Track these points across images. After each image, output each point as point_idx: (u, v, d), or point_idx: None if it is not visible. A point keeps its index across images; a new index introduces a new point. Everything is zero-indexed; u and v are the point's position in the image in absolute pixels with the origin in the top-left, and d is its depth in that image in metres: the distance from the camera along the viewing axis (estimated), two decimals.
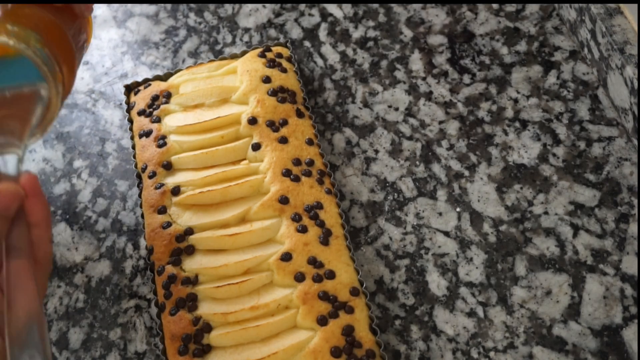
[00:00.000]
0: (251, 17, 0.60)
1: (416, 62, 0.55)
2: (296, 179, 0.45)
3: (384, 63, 0.55)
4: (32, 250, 0.30)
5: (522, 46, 0.55)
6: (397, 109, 0.53)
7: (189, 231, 0.44)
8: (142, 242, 0.49)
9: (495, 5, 0.57)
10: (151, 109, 0.50)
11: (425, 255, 0.46)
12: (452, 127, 0.51)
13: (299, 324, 0.40)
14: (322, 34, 0.58)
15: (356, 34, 0.57)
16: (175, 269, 0.43)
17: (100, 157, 0.54)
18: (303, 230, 0.43)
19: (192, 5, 0.62)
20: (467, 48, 0.55)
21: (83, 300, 0.47)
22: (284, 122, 0.48)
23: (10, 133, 0.32)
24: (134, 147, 0.50)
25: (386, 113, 0.53)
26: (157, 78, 0.53)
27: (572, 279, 0.43)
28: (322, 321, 0.40)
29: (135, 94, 0.53)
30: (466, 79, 0.54)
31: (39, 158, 0.55)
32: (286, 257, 0.42)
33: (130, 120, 0.52)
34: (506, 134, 0.50)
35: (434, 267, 0.45)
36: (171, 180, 0.46)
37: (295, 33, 0.58)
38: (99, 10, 0.63)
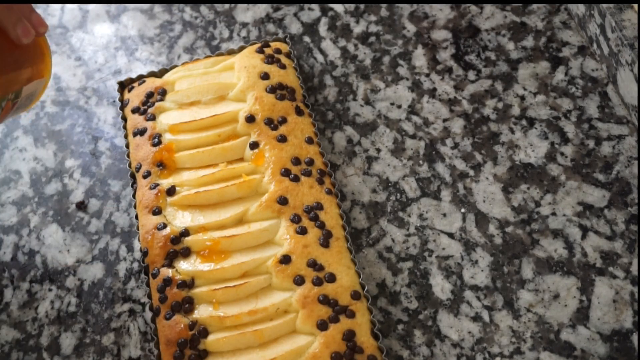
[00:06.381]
0: (249, 11, 0.59)
1: (419, 58, 0.54)
2: (295, 179, 0.44)
3: (386, 59, 0.54)
4: None
5: (529, 41, 0.53)
6: (399, 107, 0.52)
7: (185, 233, 0.43)
8: (136, 244, 0.47)
9: None
10: (146, 107, 0.49)
11: (428, 257, 0.44)
12: (457, 125, 0.50)
13: (298, 329, 0.40)
14: (322, 28, 0.57)
15: (357, 28, 0.56)
16: (170, 272, 0.42)
17: (92, 156, 0.53)
18: (302, 231, 0.42)
19: None
20: (472, 43, 0.54)
21: (75, 304, 0.46)
22: (283, 120, 0.47)
23: None
24: (127, 146, 0.49)
25: (388, 111, 0.52)
26: (152, 74, 0.52)
27: (580, 282, 0.42)
28: (322, 326, 0.39)
29: (129, 91, 0.52)
30: (471, 75, 0.52)
31: (30, 157, 0.53)
32: (285, 259, 0.41)
33: (124, 118, 0.51)
34: (512, 132, 0.49)
35: (438, 269, 0.44)
36: (166, 180, 0.45)
37: (295, 28, 0.57)
38: (92, 4, 0.62)
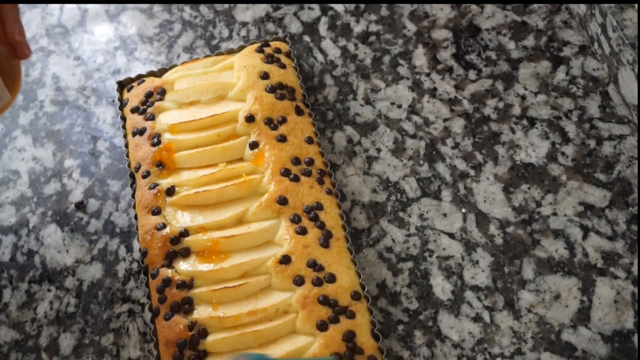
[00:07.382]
0: (249, 10, 0.59)
1: (420, 57, 0.54)
2: (295, 179, 0.44)
3: (386, 58, 0.54)
4: None
5: (529, 41, 0.53)
6: (400, 106, 0.51)
7: (184, 233, 0.43)
8: (136, 245, 0.47)
9: None
10: (145, 106, 0.49)
11: (429, 257, 0.44)
12: (457, 125, 0.50)
13: (298, 330, 0.39)
14: (323, 28, 0.57)
15: (357, 28, 0.56)
16: (169, 272, 0.41)
17: (92, 156, 0.52)
18: (302, 232, 0.42)
19: None
20: (473, 43, 0.54)
21: (74, 304, 0.45)
22: (283, 120, 0.47)
23: None
24: (127, 146, 0.49)
25: (389, 110, 0.51)
26: (151, 74, 0.52)
27: (581, 282, 0.42)
28: (322, 326, 0.39)
29: (129, 90, 0.51)
30: (472, 75, 0.52)
31: (29, 157, 0.53)
32: (285, 259, 0.41)
33: (123, 118, 0.50)
34: (513, 132, 0.49)
35: (439, 270, 0.44)
36: (165, 180, 0.45)
37: (295, 27, 0.57)
38: (91, 4, 0.61)
